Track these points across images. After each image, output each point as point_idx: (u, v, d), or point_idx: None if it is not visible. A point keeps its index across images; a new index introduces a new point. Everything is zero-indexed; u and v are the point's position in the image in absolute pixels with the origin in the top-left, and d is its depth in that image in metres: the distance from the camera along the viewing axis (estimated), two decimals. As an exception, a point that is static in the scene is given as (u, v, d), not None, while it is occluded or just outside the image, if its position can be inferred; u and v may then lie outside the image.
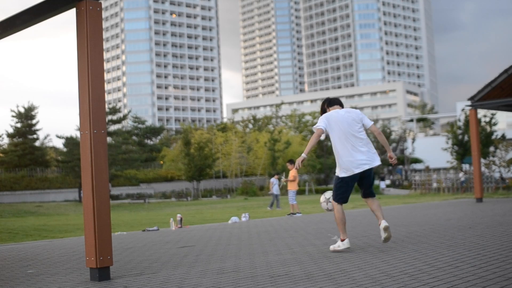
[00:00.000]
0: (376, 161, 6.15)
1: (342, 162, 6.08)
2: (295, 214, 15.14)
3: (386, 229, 6.00)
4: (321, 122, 6.18)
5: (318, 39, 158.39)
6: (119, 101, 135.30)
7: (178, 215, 12.71)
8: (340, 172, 6.13)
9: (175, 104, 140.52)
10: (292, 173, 15.33)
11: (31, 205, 34.93)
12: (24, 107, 55.78)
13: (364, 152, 6.07)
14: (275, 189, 20.48)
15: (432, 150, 54.87)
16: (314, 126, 6.20)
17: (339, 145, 6.09)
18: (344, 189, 6.14)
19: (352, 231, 8.56)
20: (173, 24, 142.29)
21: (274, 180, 20.74)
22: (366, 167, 6.07)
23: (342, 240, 6.09)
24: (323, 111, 6.45)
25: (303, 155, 6.06)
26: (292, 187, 15.39)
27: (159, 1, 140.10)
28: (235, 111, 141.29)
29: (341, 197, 6.17)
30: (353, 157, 6.04)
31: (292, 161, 15.65)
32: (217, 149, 53.56)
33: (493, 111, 36.14)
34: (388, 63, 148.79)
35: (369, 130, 6.33)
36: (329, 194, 6.54)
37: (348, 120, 6.13)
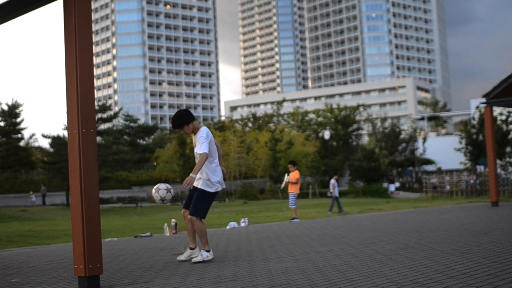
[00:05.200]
0: None
1: (217, 177, 6.71)
2: (292, 219, 15.12)
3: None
4: (206, 144, 6.53)
5: (323, 32, 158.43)
6: (110, 98, 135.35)
7: (173, 220, 12.71)
8: (212, 187, 6.70)
9: (169, 101, 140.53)
10: (295, 175, 15.31)
11: (16, 210, 34.95)
12: (7, 105, 55.74)
13: None
14: (336, 191, 20.78)
15: (444, 151, 54.88)
16: (202, 151, 6.47)
17: (216, 161, 6.77)
18: (211, 204, 6.86)
19: (359, 238, 8.57)
20: (167, 15, 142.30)
21: (334, 181, 21.03)
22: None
23: (208, 251, 6.68)
24: (184, 122, 6.71)
25: (193, 175, 6.43)
26: (294, 190, 15.38)
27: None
28: (233, 108, 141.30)
29: (207, 212, 6.80)
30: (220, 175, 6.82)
31: (294, 163, 15.63)
32: (214, 150, 53.44)
33: (510, 109, 36.16)
34: (397, 57, 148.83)
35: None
36: (162, 186, 6.84)
37: None
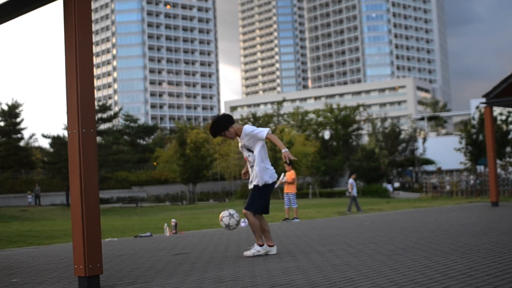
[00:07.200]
0: None
1: (271, 169, 6.71)
2: (292, 219, 15.11)
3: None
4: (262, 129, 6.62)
5: (323, 32, 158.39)
6: (110, 98, 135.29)
7: (173, 220, 12.72)
8: (269, 178, 6.65)
9: (169, 101, 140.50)
10: (291, 175, 15.30)
11: (16, 210, 34.95)
12: (7, 105, 55.75)
13: None
14: (355, 191, 21.00)
15: (444, 151, 54.86)
16: (266, 131, 6.54)
17: (266, 154, 6.77)
18: (266, 199, 6.74)
19: (359, 238, 8.57)
20: (167, 15, 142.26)
21: (352, 181, 21.18)
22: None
23: (261, 245, 6.75)
24: (223, 129, 6.63)
25: (285, 149, 6.55)
26: (291, 190, 15.38)
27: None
28: (233, 108, 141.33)
29: (261, 207, 6.70)
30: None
31: (290, 162, 15.65)
32: (215, 150, 53.53)
33: (510, 109, 36.16)
34: (397, 57, 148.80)
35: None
36: (231, 212, 6.83)
37: None
